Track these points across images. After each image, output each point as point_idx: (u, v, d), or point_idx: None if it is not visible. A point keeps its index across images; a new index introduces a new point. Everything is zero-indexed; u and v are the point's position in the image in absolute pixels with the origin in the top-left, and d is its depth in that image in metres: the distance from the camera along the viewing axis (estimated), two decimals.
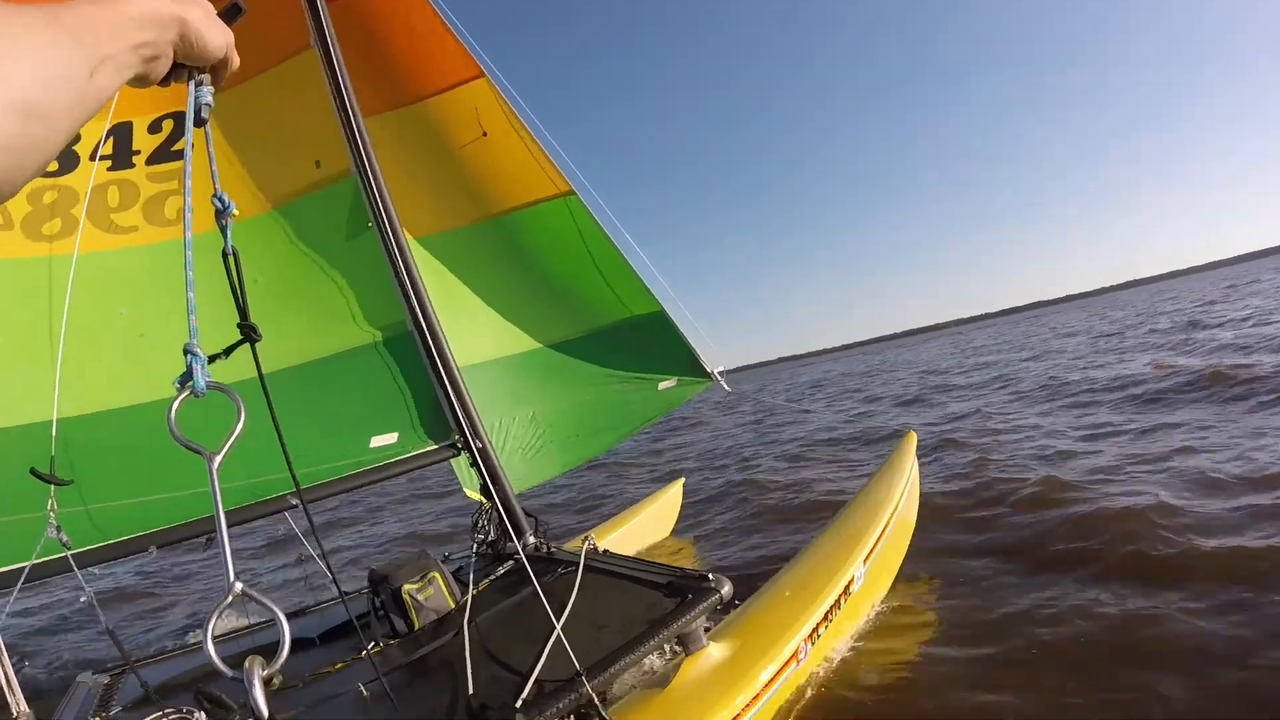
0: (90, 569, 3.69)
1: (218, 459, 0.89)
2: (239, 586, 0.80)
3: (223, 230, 1.18)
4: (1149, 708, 3.00)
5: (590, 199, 5.48)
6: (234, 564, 0.83)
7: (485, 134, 5.34)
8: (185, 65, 0.89)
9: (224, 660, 0.75)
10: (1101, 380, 12.44)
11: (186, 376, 0.93)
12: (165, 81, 0.88)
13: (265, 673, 0.77)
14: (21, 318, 3.79)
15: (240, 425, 0.91)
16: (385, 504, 14.38)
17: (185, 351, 0.95)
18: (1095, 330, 29.42)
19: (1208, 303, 30.59)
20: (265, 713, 0.78)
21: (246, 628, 4.33)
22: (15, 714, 3.21)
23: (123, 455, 3.91)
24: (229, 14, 1.02)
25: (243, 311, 1.22)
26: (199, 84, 1.01)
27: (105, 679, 3.81)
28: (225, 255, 1.18)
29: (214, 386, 0.94)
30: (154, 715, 2.99)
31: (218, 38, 0.90)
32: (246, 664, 0.76)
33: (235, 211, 1.19)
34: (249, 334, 1.25)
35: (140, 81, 0.78)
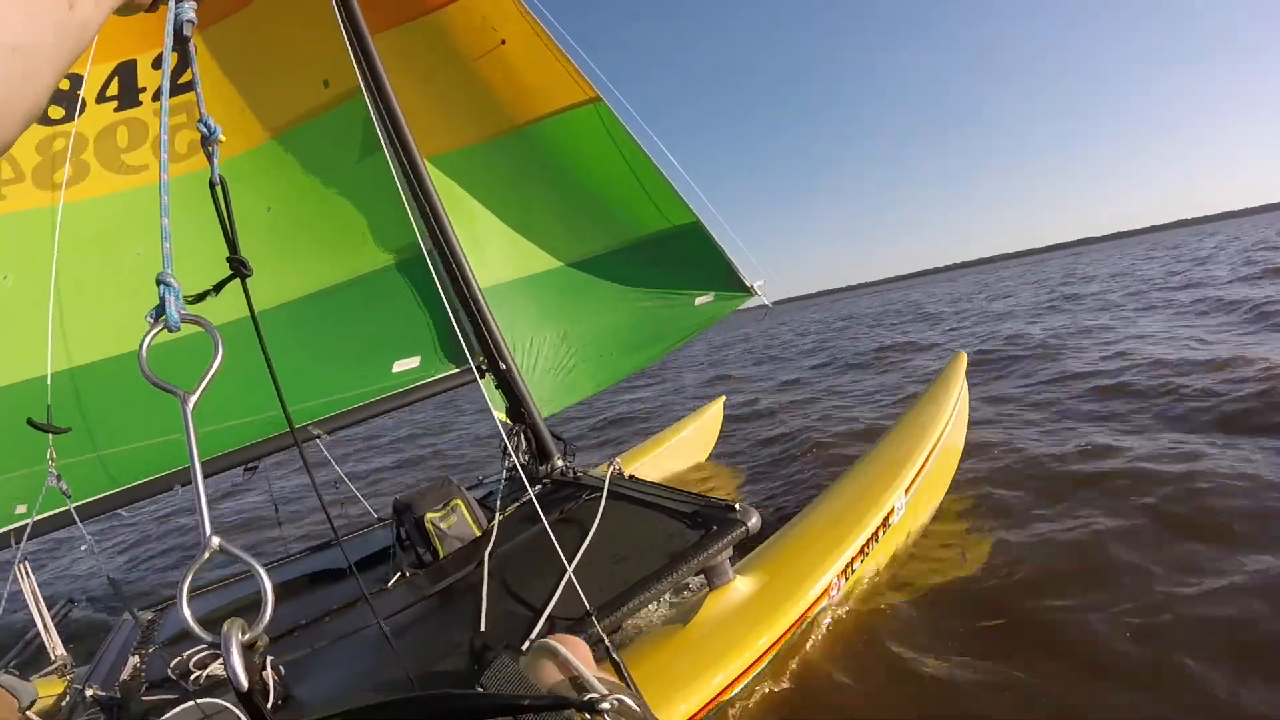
0: (119, 511, 3.74)
1: (193, 399, 0.82)
2: (216, 541, 0.72)
3: (209, 158, 1.15)
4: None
5: (619, 106, 5.14)
6: (210, 515, 0.76)
7: (504, 42, 5.01)
8: None
9: (203, 619, 0.66)
10: None
11: (160, 310, 0.86)
12: (154, 7, 0.88)
13: (247, 637, 0.67)
14: (41, 269, 3.74)
15: (218, 361, 0.83)
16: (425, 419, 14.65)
17: (158, 282, 0.88)
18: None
19: None
20: (244, 684, 0.66)
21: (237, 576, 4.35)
22: (53, 658, 3.32)
23: (144, 397, 3.89)
24: None
25: (232, 245, 1.18)
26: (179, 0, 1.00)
27: (149, 615, 3.90)
28: (212, 185, 1.14)
29: (188, 319, 0.87)
30: (191, 652, 3.04)
31: None
32: (225, 627, 0.67)
33: (221, 138, 1.15)
34: (239, 269, 1.20)
35: (127, 9, 0.77)
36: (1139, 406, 6.02)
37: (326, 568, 3.99)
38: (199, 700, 2.23)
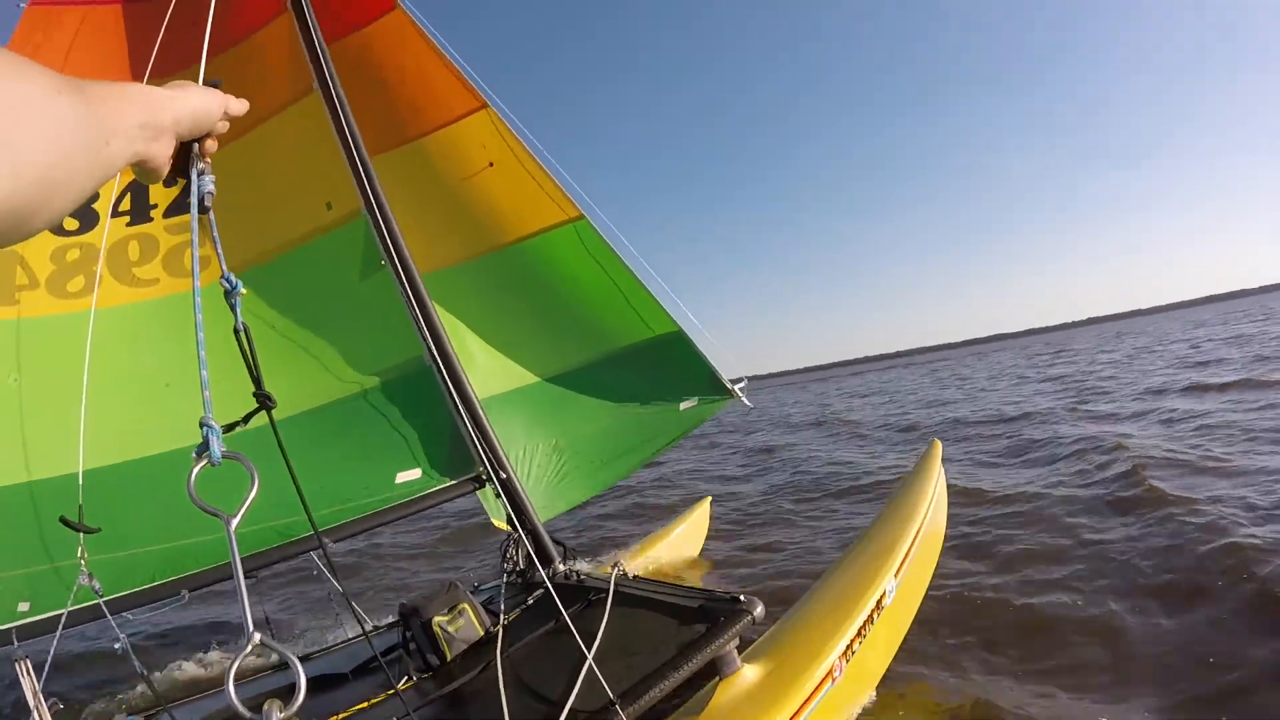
0: (124, 614, 3.74)
1: (234, 521, 0.93)
2: (257, 637, 0.83)
3: (232, 308, 1.23)
4: None
5: (600, 222, 5.50)
6: (253, 610, 0.87)
7: (491, 164, 5.40)
8: (187, 144, 0.95)
9: (245, 703, 0.78)
10: None
11: (203, 448, 0.98)
12: (170, 182, 0.98)
13: (282, 715, 0.78)
14: (51, 373, 3.88)
15: (254, 491, 0.95)
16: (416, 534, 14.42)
17: (201, 424, 1.00)
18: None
19: None
20: None
21: (271, 669, 4.33)
22: None
23: (151, 502, 3.97)
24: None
25: (257, 381, 1.27)
26: (200, 173, 1.07)
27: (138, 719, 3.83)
28: (236, 332, 1.23)
29: (230, 456, 0.99)
30: None
31: (211, 102, 0.98)
32: (265, 706, 0.78)
33: (243, 291, 1.24)
34: (264, 402, 1.30)
35: (145, 173, 0.86)
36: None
37: (327, 672, 3.97)
38: None
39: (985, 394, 20.86)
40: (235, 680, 0.80)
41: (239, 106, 1.06)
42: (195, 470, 0.96)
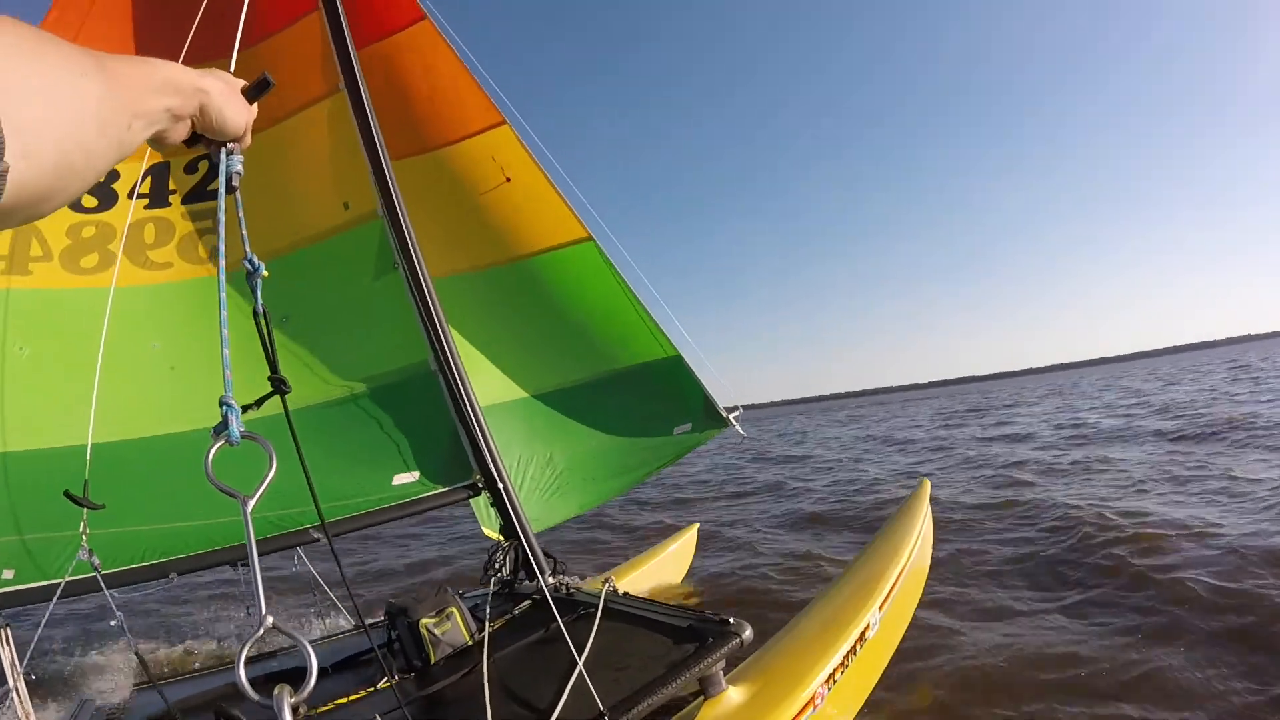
0: (111, 592, 3.75)
1: (251, 502, 0.93)
2: (270, 620, 0.84)
3: (253, 290, 1.24)
4: None
5: (609, 244, 5.61)
6: (265, 598, 0.88)
7: (508, 179, 5.49)
8: (204, 136, 0.96)
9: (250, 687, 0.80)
10: None
11: (222, 427, 0.98)
12: (190, 143, 0.96)
13: (293, 700, 0.81)
14: (58, 346, 3.90)
15: (272, 472, 0.95)
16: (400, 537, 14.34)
17: (221, 403, 1.01)
18: None
19: None
20: None
21: (269, 654, 4.32)
22: None
23: (150, 483, 3.98)
24: (257, 88, 1.08)
25: (273, 365, 1.31)
26: (230, 153, 1.09)
27: (113, 699, 3.84)
28: (256, 315, 1.26)
29: (248, 436, 0.99)
30: None
31: (239, 117, 0.98)
32: (276, 692, 0.81)
33: (265, 274, 1.25)
34: (279, 387, 1.34)
35: (159, 142, 0.84)
36: None
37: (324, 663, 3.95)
38: None
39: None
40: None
41: (248, 141, 1.08)
42: (213, 449, 0.97)
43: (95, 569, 3.29)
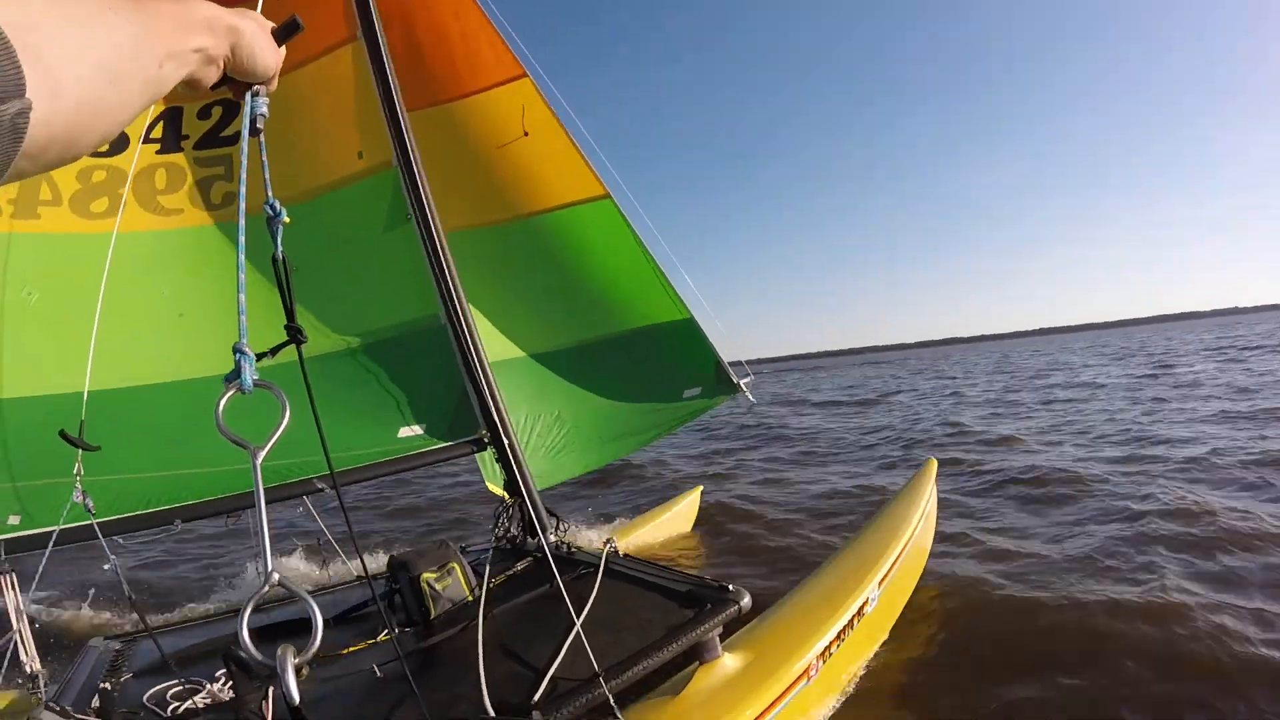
0: (115, 538, 3.78)
1: (262, 453, 0.91)
2: (276, 576, 0.83)
3: (273, 235, 1.22)
4: None
5: (626, 203, 5.53)
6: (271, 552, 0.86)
7: (526, 134, 5.41)
8: (232, 79, 0.92)
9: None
10: None
11: (235, 374, 0.96)
12: (216, 87, 0.90)
13: (296, 660, 0.80)
14: (66, 292, 3.88)
15: (285, 422, 0.93)
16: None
17: (234, 350, 0.98)
18: None
19: None
20: (296, 698, 0.81)
21: (272, 603, 4.36)
22: (30, 671, 3.32)
23: (154, 430, 4.00)
24: (286, 30, 1.05)
25: (289, 313, 1.28)
26: (255, 94, 1.05)
27: (117, 644, 3.86)
28: (275, 260, 1.23)
29: (261, 385, 0.97)
30: (166, 685, 3.08)
31: (269, 60, 0.94)
32: (280, 651, 0.79)
33: (286, 219, 1.22)
34: (295, 336, 1.31)
35: (190, 86, 0.80)
36: None
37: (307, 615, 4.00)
38: None
39: None
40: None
41: (274, 85, 1.04)
42: (225, 397, 0.94)
43: (89, 511, 3.31)
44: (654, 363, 5.80)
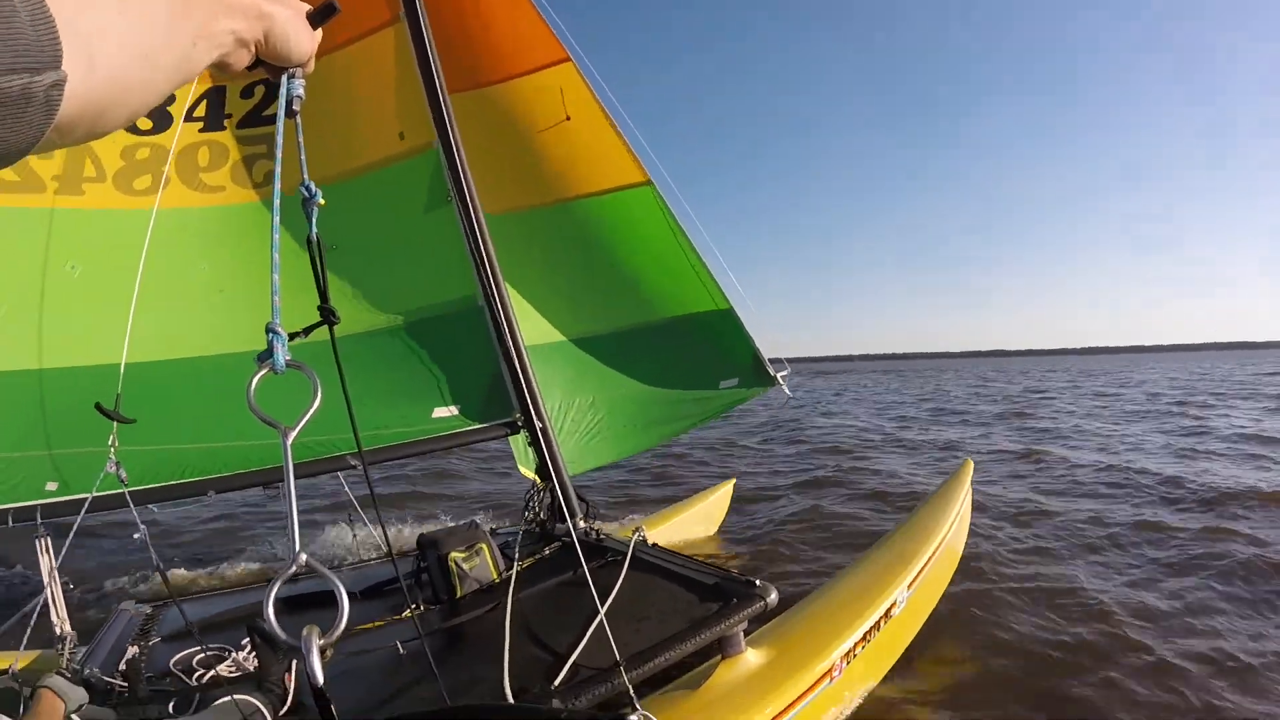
0: (149, 506, 3.86)
1: (292, 434, 0.90)
2: (303, 558, 0.81)
3: (308, 217, 1.20)
4: None
5: (668, 191, 5.48)
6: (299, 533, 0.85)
7: (568, 118, 5.38)
8: (265, 62, 0.90)
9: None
10: None
11: (267, 354, 0.95)
12: (252, 69, 0.89)
13: (321, 642, 0.79)
14: (109, 266, 3.94)
15: (316, 403, 0.93)
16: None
17: (267, 330, 0.97)
18: None
19: None
20: (321, 680, 0.81)
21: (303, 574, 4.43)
22: (60, 633, 3.42)
23: (189, 402, 4.06)
24: (322, 13, 1.02)
25: (323, 294, 1.26)
26: (291, 75, 1.03)
27: (148, 609, 3.94)
28: (310, 242, 1.21)
29: (293, 365, 0.95)
30: (192, 651, 3.15)
31: (304, 44, 0.92)
32: (305, 632, 0.79)
33: (321, 201, 1.21)
34: (328, 317, 1.29)
35: (222, 68, 0.79)
36: None
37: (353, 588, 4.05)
38: (235, 696, 2.36)
39: None
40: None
41: (311, 68, 1.01)
42: (257, 377, 0.94)
43: (121, 481, 3.37)
44: (691, 351, 5.76)
